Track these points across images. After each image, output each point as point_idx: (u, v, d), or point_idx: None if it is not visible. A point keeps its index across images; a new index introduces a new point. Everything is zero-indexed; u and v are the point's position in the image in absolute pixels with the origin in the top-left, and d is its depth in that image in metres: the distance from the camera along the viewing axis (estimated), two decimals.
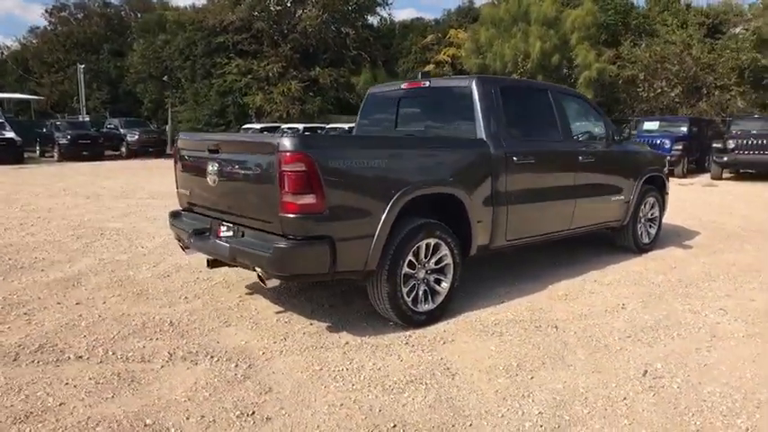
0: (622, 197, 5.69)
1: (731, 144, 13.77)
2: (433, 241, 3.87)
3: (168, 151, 22.49)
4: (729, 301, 4.48)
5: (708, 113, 20.29)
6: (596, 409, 2.78)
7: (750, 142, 13.62)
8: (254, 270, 3.47)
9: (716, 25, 24.88)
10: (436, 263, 3.95)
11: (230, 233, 3.74)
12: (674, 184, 7.59)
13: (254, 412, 2.71)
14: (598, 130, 5.59)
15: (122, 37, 38.62)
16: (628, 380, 3.10)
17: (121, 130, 24.10)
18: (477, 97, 4.32)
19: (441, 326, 3.87)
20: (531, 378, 3.11)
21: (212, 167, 3.72)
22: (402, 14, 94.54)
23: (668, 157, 13.11)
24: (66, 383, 2.94)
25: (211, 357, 3.30)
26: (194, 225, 4.08)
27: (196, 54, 29.81)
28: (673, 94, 21.34)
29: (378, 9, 32.29)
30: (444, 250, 3.94)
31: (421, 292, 3.87)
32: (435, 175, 3.94)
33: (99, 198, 10.14)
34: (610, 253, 5.96)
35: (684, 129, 15.79)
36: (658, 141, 14.43)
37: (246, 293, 4.49)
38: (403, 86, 5.06)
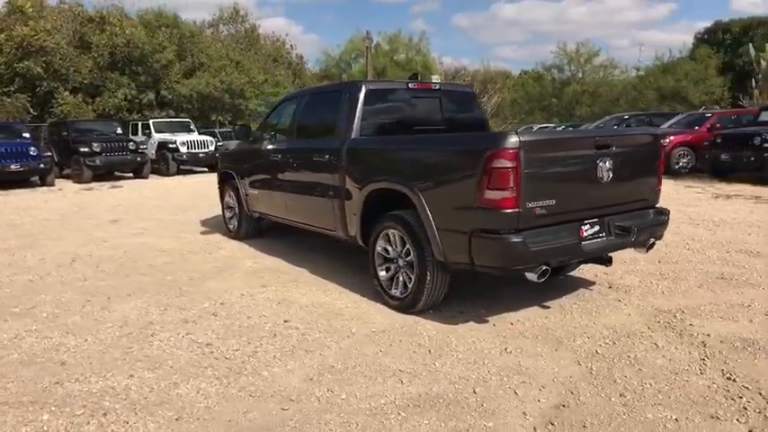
0: None
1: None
2: None
3: None
4: None
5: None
6: None
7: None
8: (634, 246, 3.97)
9: None
10: None
11: (594, 229, 3.74)
12: None
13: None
14: None
15: None
16: None
17: None
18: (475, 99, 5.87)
19: None
20: None
21: (604, 164, 3.68)
22: None
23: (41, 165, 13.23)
24: None
25: None
26: (543, 240, 3.45)
27: None
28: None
29: None
30: None
31: None
32: None
33: None
34: None
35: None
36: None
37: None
38: (413, 86, 5.26)
